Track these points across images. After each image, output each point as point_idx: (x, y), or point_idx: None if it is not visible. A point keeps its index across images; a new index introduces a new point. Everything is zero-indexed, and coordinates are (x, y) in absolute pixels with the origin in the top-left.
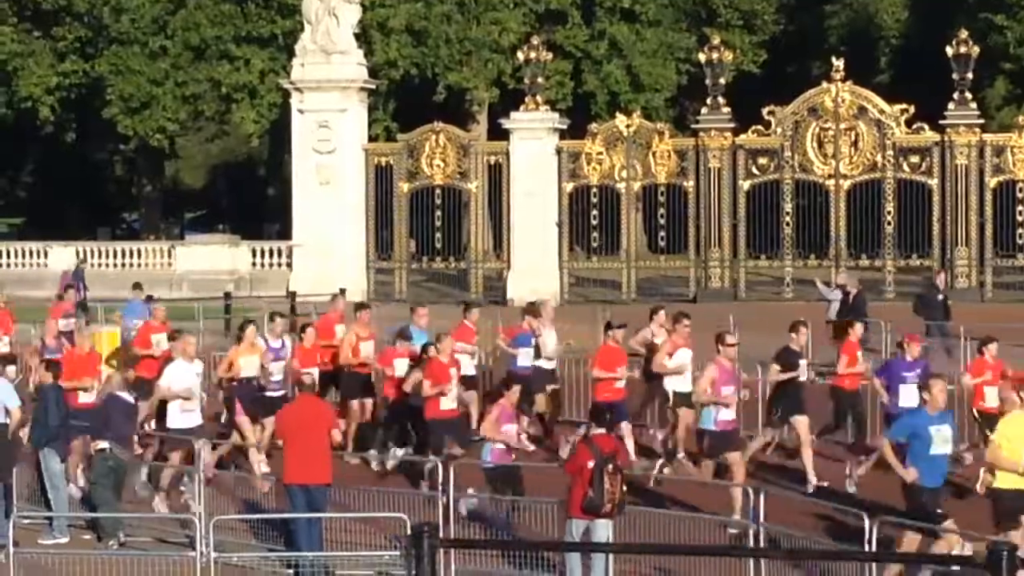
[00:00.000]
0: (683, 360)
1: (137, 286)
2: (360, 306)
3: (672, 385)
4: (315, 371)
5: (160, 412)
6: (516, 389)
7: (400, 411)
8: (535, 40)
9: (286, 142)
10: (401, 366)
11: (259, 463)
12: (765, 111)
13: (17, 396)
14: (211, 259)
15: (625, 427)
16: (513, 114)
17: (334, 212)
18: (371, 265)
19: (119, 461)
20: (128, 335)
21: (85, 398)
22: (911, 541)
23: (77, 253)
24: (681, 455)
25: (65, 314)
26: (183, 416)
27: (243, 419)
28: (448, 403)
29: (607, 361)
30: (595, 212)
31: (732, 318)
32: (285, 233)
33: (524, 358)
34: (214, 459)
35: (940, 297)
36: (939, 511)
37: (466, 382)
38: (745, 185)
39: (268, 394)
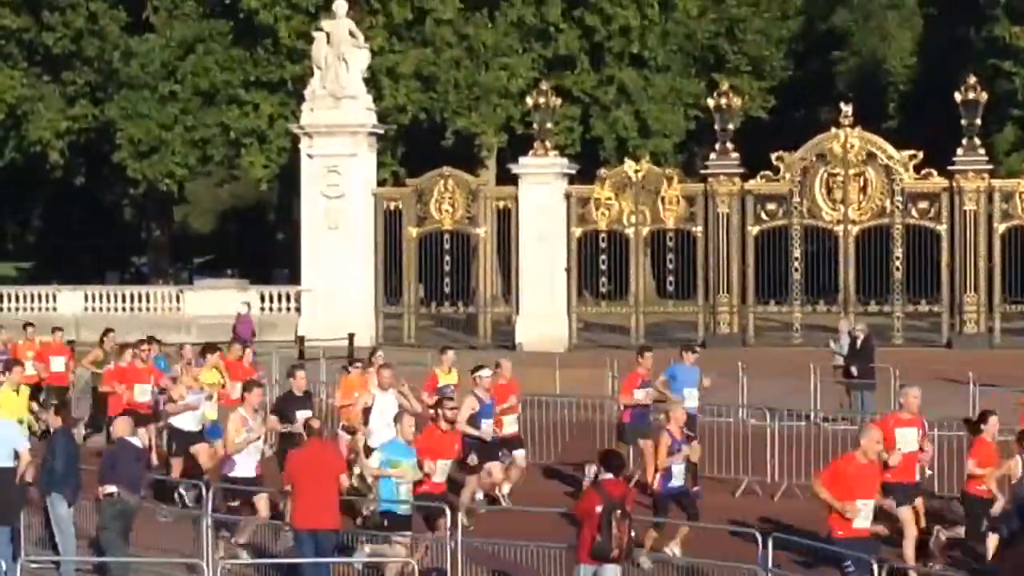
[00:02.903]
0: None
1: (690, 349)
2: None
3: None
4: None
5: None
6: None
7: None
8: (544, 85)
9: (295, 187)
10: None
11: None
12: (774, 156)
13: (25, 439)
14: (220, 304)
15: None
16: (522, 159)
17: (343, 257)
18: (380, 310)
19: (127, 505)
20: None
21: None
22: None
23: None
24: None
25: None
26: None
27: None
28: None
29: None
30: (604, 257)
31: (741, 364)
32: (294, 278)
33: None
34: None
35: None
36: None
37: None
38: (754, 230)
39: None
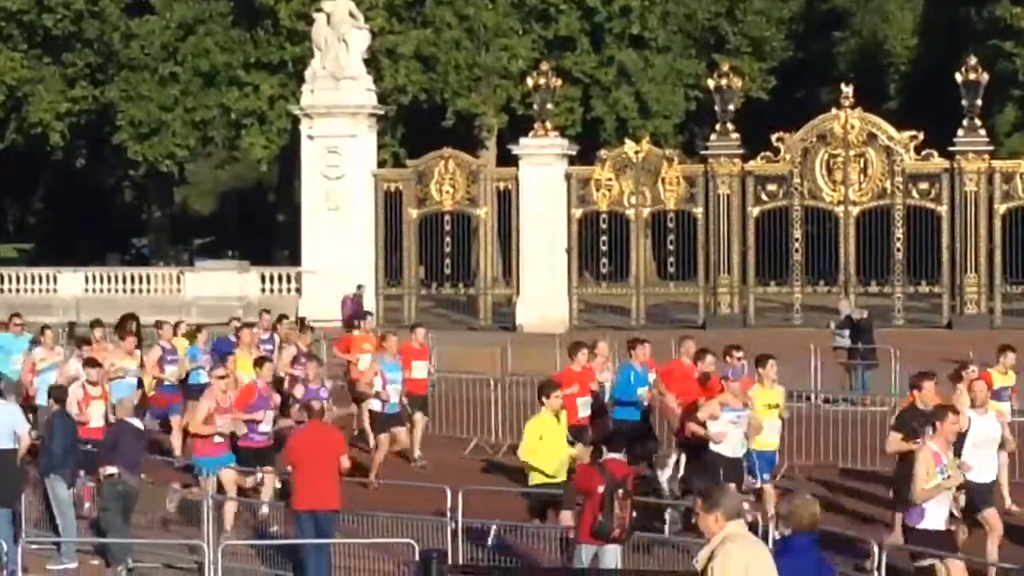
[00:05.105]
0: None
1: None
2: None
3: None
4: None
5: None
6: None
7: None
8: (544, 66)
9: (295, 168)
10: None
11: None
12: (774, 137)
13: (26, 421)
14: (220, 285)
15: None
16: (522, 140)
17: (343, 238)
18: (380, 291)
19: (128, 486)
20: None
21: None
22: None
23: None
24: None
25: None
26: None
27: None
28: None
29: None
30: (604, 238)
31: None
32: (294, 259)
33: None
34: None
35: None
36: None
37: None
38: (754, 211)
39: None
